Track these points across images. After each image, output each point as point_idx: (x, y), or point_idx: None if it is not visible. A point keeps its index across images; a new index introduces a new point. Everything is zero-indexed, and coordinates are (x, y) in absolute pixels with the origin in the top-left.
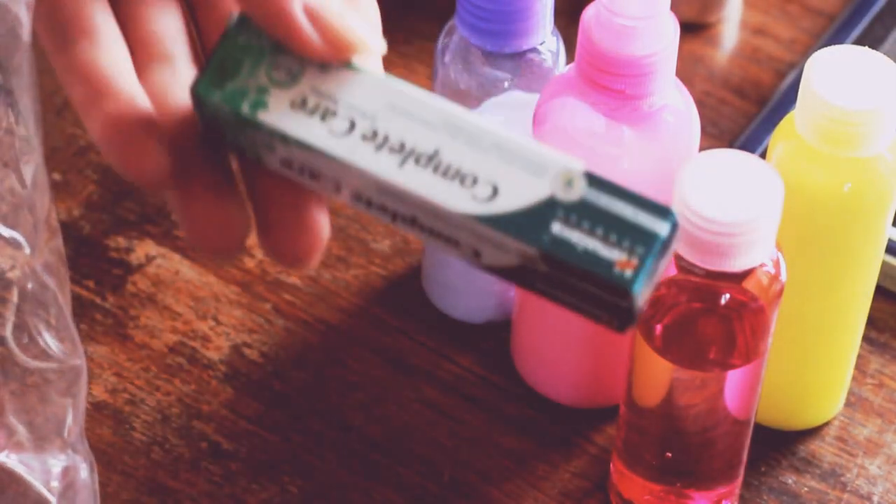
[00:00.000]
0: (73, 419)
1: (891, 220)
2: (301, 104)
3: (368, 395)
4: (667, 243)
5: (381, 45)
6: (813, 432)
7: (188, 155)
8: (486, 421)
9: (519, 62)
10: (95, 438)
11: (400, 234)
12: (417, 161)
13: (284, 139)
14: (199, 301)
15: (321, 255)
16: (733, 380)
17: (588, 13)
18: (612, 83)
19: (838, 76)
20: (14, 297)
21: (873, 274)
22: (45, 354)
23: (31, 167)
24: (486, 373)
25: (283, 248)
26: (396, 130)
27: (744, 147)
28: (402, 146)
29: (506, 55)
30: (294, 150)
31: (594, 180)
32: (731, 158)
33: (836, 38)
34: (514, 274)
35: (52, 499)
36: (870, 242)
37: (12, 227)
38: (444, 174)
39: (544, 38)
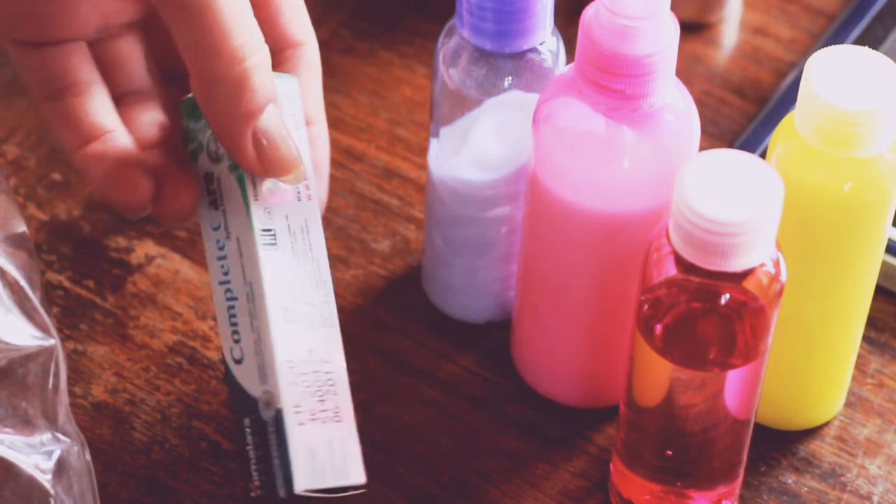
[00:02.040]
0: (56, 401)
1: (891, 220)
2: (209, 181)
3: (368, 395)
4: (284, 498)
5: (306, 174)
6: (813, 432)
7: (163, 171)
8: (486, 421)
9: (519, 62)
10: (95, 438)
11: (400, 233)
12: (227, 291)
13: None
14: (199, 301)
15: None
16: (733, 380)
17: (588, 13)
18: (612, 83)
19: (838, 76)
20: None
21: (873, 274)
22: (17, 340)
23: None
24: (486, 373)
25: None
26: (231, 263)
27: (744, 147)
28: (228, 280)
29: (506, 55)
30: None
31: (278, 421)
32: (731, 158)
33: (836, 38)
34: None
35: (49, 487)
36: (870, 242)
37: None
38: (230, 317)
39: (544, 38)
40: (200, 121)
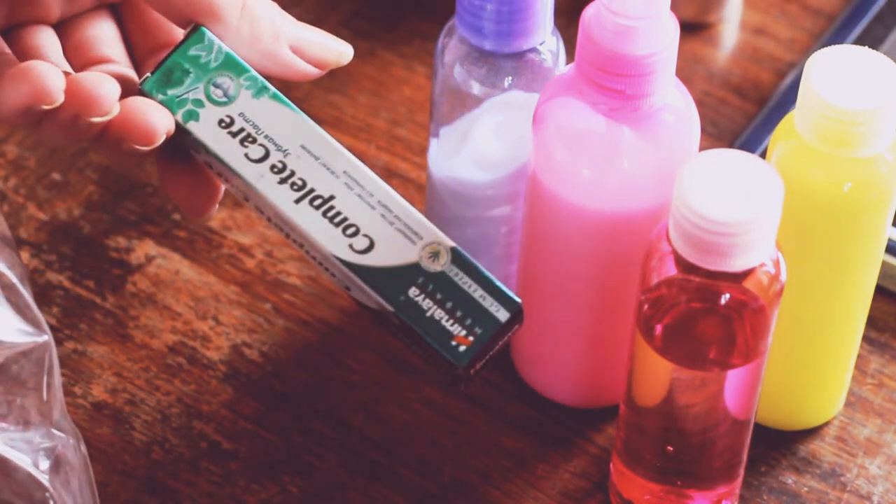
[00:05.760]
0: (51, 396)
1: (891, 220)
2: (228, 124)
3: (368, 395)
4: (505, 327)
5: (349, 47)
6: (813, 432)
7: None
8: (486, 421)
9: (519, 62)
10: (95, 438)
11: None
12: (312, 202)
13: (207, 150)
14: (199, 301)
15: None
16: (733, 380)
17: (588, 13)
18: (612, 83)
19: (838, 76)
20: None
21: (873, 274)
22: (10, 337)
23: None
24: (486, 373)
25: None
26: (302, 169)
27: (744, 147)
28: (304, 184)
29: (506, 55)
30: (213, 161)
31: (458, 258)
32: (731, 158)
33: (836, 38)
34: (376, 315)
35: (46, 483)
36: (870, 242)
37: None
38: (332, 219)
39: (544, 38)
40: (184, 81)
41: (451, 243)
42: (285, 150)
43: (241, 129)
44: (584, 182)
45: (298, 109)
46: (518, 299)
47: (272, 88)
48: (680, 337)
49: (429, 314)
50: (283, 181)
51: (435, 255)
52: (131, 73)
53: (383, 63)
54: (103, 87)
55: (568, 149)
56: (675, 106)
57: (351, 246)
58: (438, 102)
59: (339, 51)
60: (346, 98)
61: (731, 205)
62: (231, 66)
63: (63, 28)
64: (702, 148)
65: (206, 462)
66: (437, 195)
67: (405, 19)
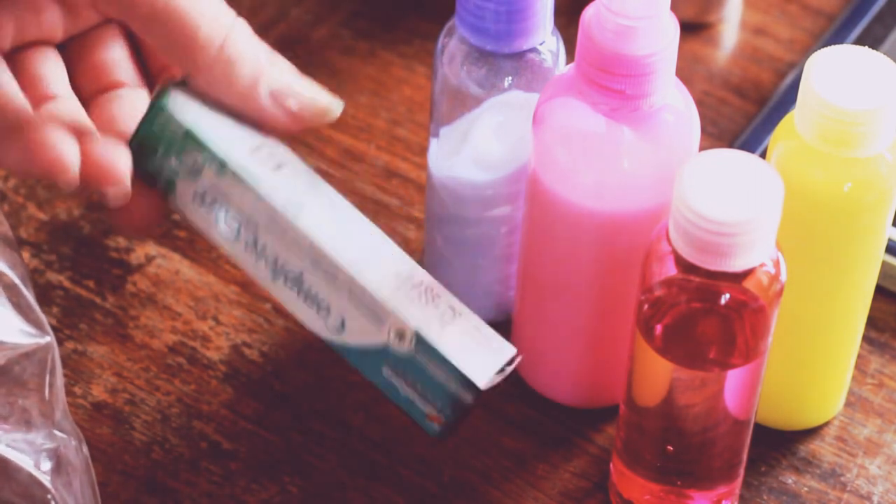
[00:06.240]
0: (53, 398)
1: (891, 220)
2: (202, 199)
3: (368, 395)
4: (472, 405)
5: (338, 104)
6: (813, 432)
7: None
8: (486, 421)
9: (519, 62)
10: (95, 438)
11: (400, 233)
12: (286, 279)
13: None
14: (199, 301)
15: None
16: (733, 380)
17: (588, 13)
18: (612, 83)
19: (838, 76)
20: None
21: (873, 274)
22: (13, 338)
23: None
24: None
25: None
26: (272, 246)
27: (744, 147)
28: (276, 262)
29: (506, 55)
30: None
31: (421, 342)
32: (731, 158)
33: (836, 38)
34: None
35: (48, 484)
36: (870, 242)
37: None
38: (306, 298)
39: (544, 38)
40: (157, 151)
41: (415, 326)
42: (255, 226)
43: (214, 202)
44: (584, 182)
45: (258, 183)
46: (480, 384)
47: (230, 165)
48: (680, 337)
49: (402, 393)
50: (258, 258)
51: (400, 336)
52: (145, 95)
53: (383, 63)
54: (118, 166)
55: (568, 149)
56: (675, 106)
57: (326, 325)
58: (438, 102)
59: (323, 108)
60: (346, 98)
61: (731, 205)
62: (191, 141)
63: (71, 51)
64: (702, 148)
65: (206, 462)
66: (437, 195)
67: (405, 19)
